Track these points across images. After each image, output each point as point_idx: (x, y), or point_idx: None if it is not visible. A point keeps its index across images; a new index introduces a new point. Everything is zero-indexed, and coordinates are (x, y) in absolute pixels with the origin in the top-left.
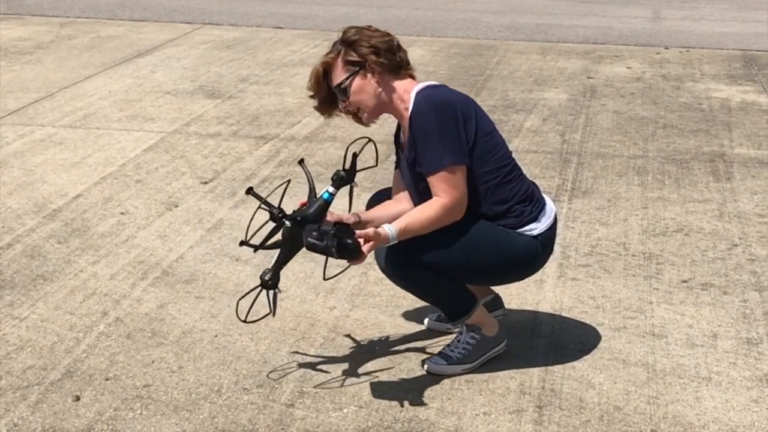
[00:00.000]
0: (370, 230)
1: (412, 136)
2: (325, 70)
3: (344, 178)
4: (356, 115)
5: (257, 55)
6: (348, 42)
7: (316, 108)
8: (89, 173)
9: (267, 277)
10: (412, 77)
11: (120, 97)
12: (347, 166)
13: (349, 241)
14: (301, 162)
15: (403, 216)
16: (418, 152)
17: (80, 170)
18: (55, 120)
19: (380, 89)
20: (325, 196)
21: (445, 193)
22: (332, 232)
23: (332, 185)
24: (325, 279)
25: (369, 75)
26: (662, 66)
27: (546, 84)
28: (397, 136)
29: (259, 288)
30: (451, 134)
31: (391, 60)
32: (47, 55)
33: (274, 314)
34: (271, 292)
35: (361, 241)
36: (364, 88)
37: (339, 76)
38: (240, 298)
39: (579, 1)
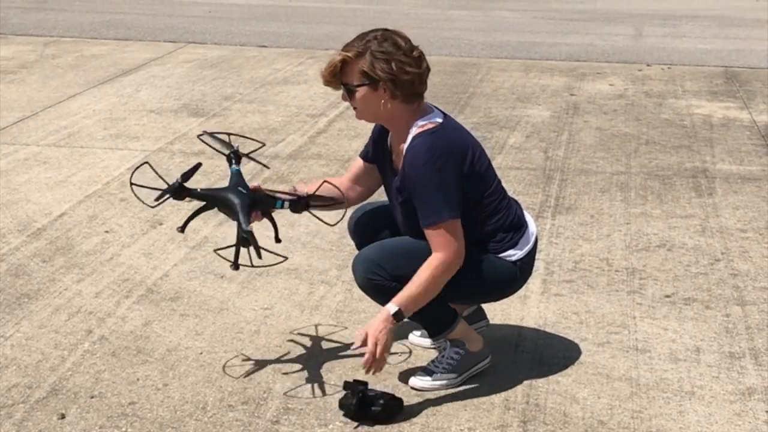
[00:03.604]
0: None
1: (405, 175)
2: (342, 64)
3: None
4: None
5: (241, 74)
6: (373, 54)
7: (325, 84)
8: (73, 192)
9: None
10: (421, 102)
11: (104, 115)
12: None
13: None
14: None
15: (405, 287)
16: (412, 199)
17: (64, 189)
18: (39, 139)
19: (383, 109)
20: (278, 204)
21: (444, 249)
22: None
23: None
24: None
25: (380, 92)
26: (644, 83)
27: (529, 101)
28: (382, 138)
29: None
30: (448, 188)
31: (405, 92)
32: (31, 75)
33: (259, 256)
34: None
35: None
36: (370, 100)
37: (351, 77)
38: (217, 249)
39: (561, 18)
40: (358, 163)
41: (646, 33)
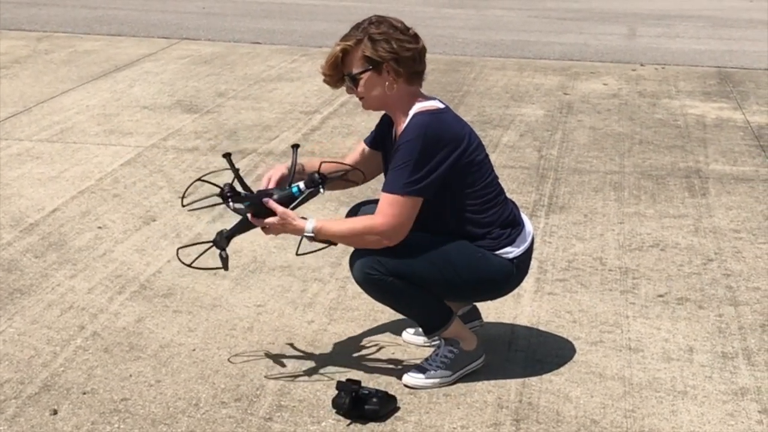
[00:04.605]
0: (287, 214)
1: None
2: (343, 55)
3: (316, 181)
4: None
5: (235, 70)
6: (372, 38)
7: (325, 81)
8: (66, 187)
9: (218, 239)
10: (421, 85)
11: (97, 111)
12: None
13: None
14: (295, 147)
15: (335, 221)
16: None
17: (57, 184)
18: (32, 134)
19: (390, 92)
20: (294, 190)
21: (384, 216)
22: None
23: (303, 183)
24: (297, 254)
25: (384, 75)
26: (638, 82)
27: (523, 100)
28: (389, 128)
29: (210, 244)
30: (425, 168)
31: (408, 68)
32: (24, 70)
33: (226, 269)
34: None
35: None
36: (374, 85)
37: (354, 66)
38: (181, 246)
39: (555, 18)
40: (361, 146)
41: (639, 33)
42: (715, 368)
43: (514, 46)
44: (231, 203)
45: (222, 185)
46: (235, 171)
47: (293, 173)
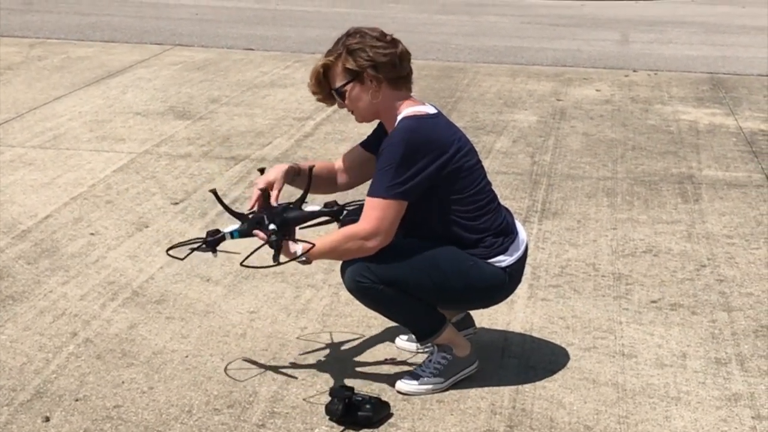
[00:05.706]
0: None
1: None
2: (325, 71)
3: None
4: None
5: (228, 77)
6: (349, 49)
7: (317, 100)
8: (59, 194)
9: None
10: (409, 89)
11: (90, 117)
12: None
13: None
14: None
15: (320, 238)
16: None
17: (50, 191)
18: (25, 140)
19: (376, 100)
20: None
21: (368, 221)
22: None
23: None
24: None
25: (367, 83)
26: (631, 88)
27: (516, 106)
28: (384, 133)
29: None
30: (408, 172)
31: (389, 73)
32: (17, 76)
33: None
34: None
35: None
36: (360, 96)
37: (337, 80)
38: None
39: (548, 24)
40: (357, 149)
41: (632, 39)
42: (708, 374)
43: (507, 52)
44: (215, 254)
45: (205, 236)
46: (224, 205)
47: (305, 195)
